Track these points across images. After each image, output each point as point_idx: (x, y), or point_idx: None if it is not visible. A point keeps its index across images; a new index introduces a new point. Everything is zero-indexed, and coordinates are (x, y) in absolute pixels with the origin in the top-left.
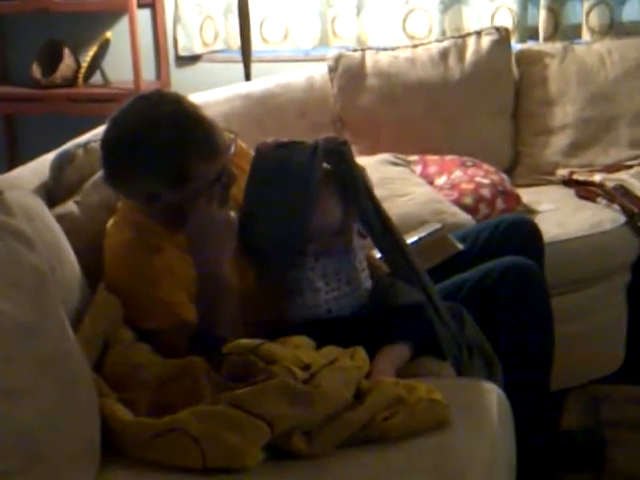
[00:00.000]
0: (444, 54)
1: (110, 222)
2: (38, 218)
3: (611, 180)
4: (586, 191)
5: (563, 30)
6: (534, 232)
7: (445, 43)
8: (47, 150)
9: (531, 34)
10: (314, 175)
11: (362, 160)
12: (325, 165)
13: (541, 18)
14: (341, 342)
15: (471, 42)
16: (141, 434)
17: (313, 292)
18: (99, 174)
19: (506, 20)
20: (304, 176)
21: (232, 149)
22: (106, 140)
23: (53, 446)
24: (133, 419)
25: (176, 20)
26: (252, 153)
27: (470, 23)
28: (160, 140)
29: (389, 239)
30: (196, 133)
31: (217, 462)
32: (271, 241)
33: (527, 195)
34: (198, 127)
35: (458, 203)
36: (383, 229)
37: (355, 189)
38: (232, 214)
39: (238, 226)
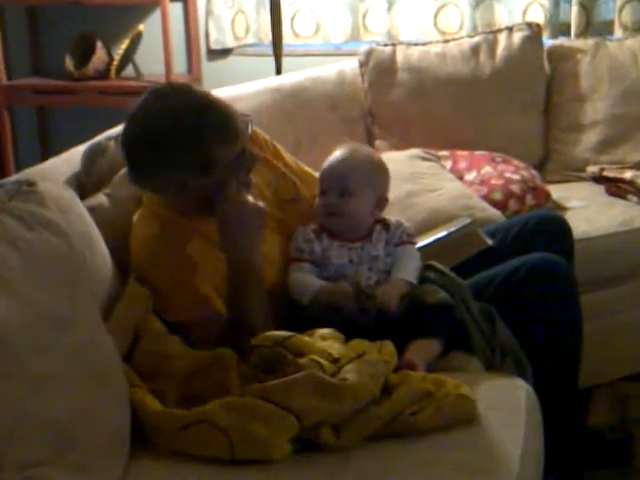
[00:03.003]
0: (475, 49)
1: (136, 215)
2: (70, 210)
3: None
4: (616, 188)
5: (595, 26)
6: (564, 228)
7: (476, 38)
8: (79, 142)
9: (563, 30)
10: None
11: (392, 155)
12: None
13: (573, 14)
14: (369, 336)
15: (502, 38)
16: (170, 425)
17: None
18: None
19: (538, 16)
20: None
21: (249, 130)
22: (126, 138)
23: (84, 435)
24: (162, 410)
25: (208, 13)
26: (275, 144)
27: (502, 18)
28: (179, 129)
29: None
30: (213, 117)
31: (245, 454)
32: None
33: (557, 191)
34: (215, 111)
35: (487, 199)
36: None
37: None
38: (261, 203)
39: None
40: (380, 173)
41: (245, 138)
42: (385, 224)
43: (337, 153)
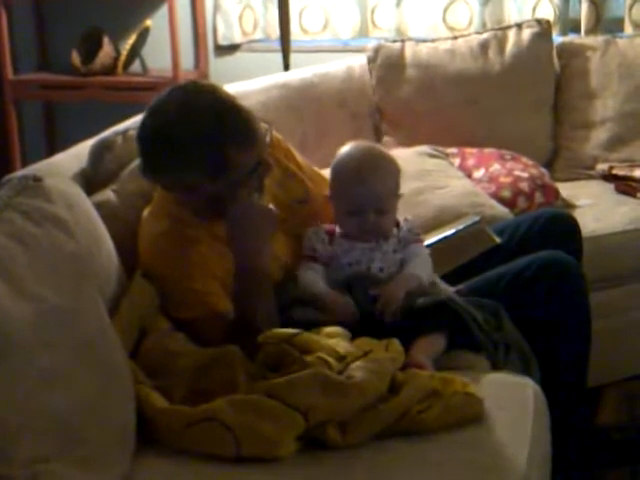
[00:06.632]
0: (484, 46)
1: (145, 212)
2: (77, 205)
3: None
4: (626, 186)
5: (605, 23)
6: (573, 226)
7: (485, 35)
8: (86, 137)
9: (573, 27)
10: None
11: (400, 152)
12: None
13: (583, 11)
14: (376, 334)
15: (512, 34)
16: (176, 422)
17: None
18: (136, 162)
19: (547, 12)
20: None
21: (268, 138)
22: (143, 131)
23: (90, 430)
24: (168, 407)
25: (216, 9)
26: (287, 144)
27: (511, 15)
28: (199, 130)
29: None
30: (234, 122)
31: (251, 451)
32: None
33: (566, 189)
34: (236, 116)
35: (496, 196)
36: None
37: None
38: (271, 206)
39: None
40: (399, 179)
41: (263, 146)
42: (396, 222)
43: (363, 171)
